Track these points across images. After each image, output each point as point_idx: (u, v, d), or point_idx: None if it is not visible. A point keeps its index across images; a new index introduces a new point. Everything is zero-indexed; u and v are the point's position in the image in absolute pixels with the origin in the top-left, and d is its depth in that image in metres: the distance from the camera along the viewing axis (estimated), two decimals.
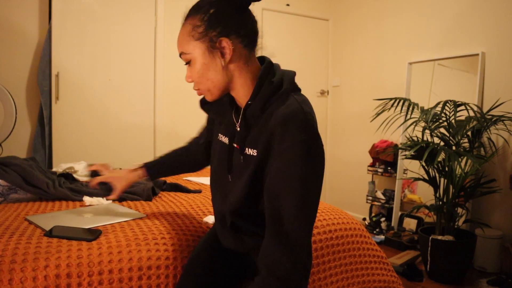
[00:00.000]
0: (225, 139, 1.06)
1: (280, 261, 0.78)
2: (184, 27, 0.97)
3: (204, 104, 1.14)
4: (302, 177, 0.81)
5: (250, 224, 1.00)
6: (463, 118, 2.47)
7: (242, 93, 0.98)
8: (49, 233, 1.14)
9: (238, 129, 0.99)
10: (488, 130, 2.44)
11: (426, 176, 2.56)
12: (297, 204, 0.80)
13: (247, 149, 0.96)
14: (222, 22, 0.93)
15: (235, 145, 1.00)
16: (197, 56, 0.95)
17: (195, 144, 1.34)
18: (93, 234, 1.15)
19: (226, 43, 0.93)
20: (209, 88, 0.98)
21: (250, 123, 0.97)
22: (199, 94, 1.02)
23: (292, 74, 0.99)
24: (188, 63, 0.98)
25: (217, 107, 1.10)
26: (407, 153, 2.51)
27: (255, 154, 0.93)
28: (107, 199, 1.58)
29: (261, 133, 0.92)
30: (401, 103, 2.67)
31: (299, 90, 0.97)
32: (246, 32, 0.95)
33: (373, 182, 3.51)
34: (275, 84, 0.94)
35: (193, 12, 0.97)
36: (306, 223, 0.81)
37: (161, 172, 1.36)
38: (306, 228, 0.81)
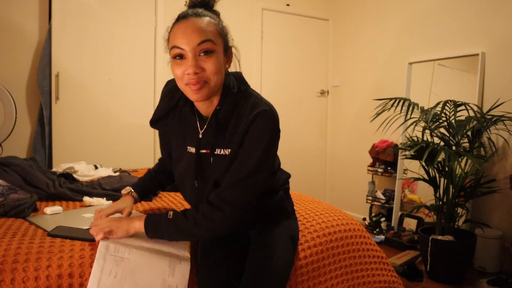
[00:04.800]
0: (192, 149, 1.08)
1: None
2: (204, 19, 0.97)
3: (156, 122, 1.16)
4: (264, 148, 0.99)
5: None
6: (463, 118, 2.47)
7: (215, 100, 1.04)
8: (52, 233, 1.13)
9: (201, 136, 1.04)
10: (488, 130, 2.44)
11: (426, 176, 2.56)
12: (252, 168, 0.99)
13: (219, 150, 1.02)
14: (228, 32, 1.03)
15: (203, 151, 1.05)
16: (220, 51, 0.99)
17: (165, 160, 1.30)
18: None
19: (234, 51, 1.04)
20: (215, 85, 1.00)
21: (220, 126, 1.03)
22: (198, 89, 0.97)
23: (240, 74, 1.10)
24: (207, 52, 0.96)
25: (176, 121, 1.11)
26: (407, 153, 2.51)
27: (228, 153, 1.01)
28: None
29: (234, 133, 1.01)
30: (401, 103, 2.67)
31: (249, 86, 1.09)
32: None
33: (373, 182, 3.52)
34: (235, 87, 1.05)
35: (209, 12, 1.01)
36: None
37: (148, 195, 1.37)
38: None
